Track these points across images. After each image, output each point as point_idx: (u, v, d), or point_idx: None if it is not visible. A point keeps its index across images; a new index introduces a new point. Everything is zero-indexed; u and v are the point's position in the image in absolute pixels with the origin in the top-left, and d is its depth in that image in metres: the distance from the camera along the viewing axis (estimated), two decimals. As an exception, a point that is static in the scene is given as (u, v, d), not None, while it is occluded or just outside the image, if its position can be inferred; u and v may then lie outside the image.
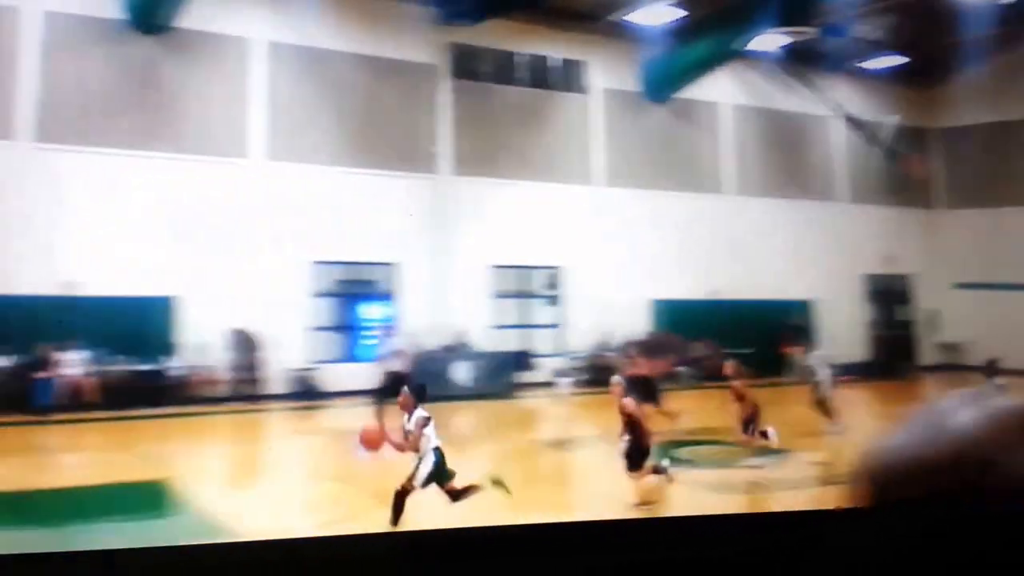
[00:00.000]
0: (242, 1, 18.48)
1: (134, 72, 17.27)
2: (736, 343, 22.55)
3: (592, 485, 11.30)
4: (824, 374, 13.81)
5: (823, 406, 13.45)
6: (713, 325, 22.73)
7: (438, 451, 7.63)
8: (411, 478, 7.53)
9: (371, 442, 8.09)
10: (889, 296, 27.65)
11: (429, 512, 7.60)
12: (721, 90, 24.94)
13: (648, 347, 21.89)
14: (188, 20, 17.55)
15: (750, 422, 11.06)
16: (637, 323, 22.38)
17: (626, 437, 8.97)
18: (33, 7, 16.37)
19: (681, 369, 21.59)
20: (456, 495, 7.65)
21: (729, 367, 11.60)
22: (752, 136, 25.68)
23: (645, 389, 12.48)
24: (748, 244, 24.56)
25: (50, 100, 16.37)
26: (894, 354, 25.98)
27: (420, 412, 7.71)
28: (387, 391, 13.08)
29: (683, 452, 11.45)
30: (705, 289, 23.64)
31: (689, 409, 18.47)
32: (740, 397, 11.17)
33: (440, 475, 7.61)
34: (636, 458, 8.89)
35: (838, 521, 0.98)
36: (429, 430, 7.65)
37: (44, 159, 16.13)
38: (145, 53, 17.41)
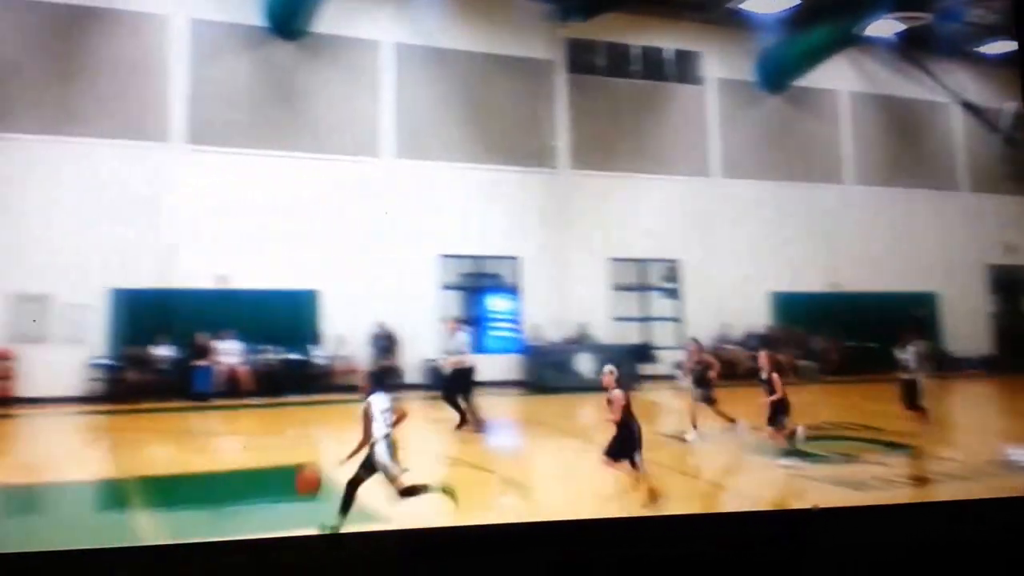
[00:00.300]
0: (371, 5, 18.98)
1: (273, 75, 17.98)
2: (858, 336, 22.12)
3: (719, 478, 11.22)
4: (918, 368, 13.30)
5: (913, 402, 13.00)
6: (834, 318, 22.25)
7: (388, 441, 7.58)
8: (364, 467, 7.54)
9: (305, 483, 7.81)
10: (1013, 287, 26.53)
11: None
12: (838, 78, 24.42)
13: (768, 341, 21.62)
14: (323, 25, 18.15)
15: (776, 416, 10.89)
16: (757, 316, 22.09)
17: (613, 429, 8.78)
18: (181, 16, 17.21)
19: (802, 363, 21.19)
20: (406, 492, 7.56)
21: (763, 358, 11.34)
22: (870, 124, 25.01)
23: (701, 384, 12.70)
24: (868, 235, 23.91)
25: (198, 104, 17.15)
26: (1019, 348, 24.91)
27: (377, 399, 7.70)
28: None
29: (808, 447, 11.25)
30: (825, 281, 23.16)
31: (812, 403, 18.23)
32: (773, 390, 10.92)
33: (387, 465, 7.55)
34: (619, 450, 8.66)
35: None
36: (381, 417, 7.58)
37: (195, 160, 16.94)
38: (283, 57, 18.09)
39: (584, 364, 19.22)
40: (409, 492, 7.56)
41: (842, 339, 21.92)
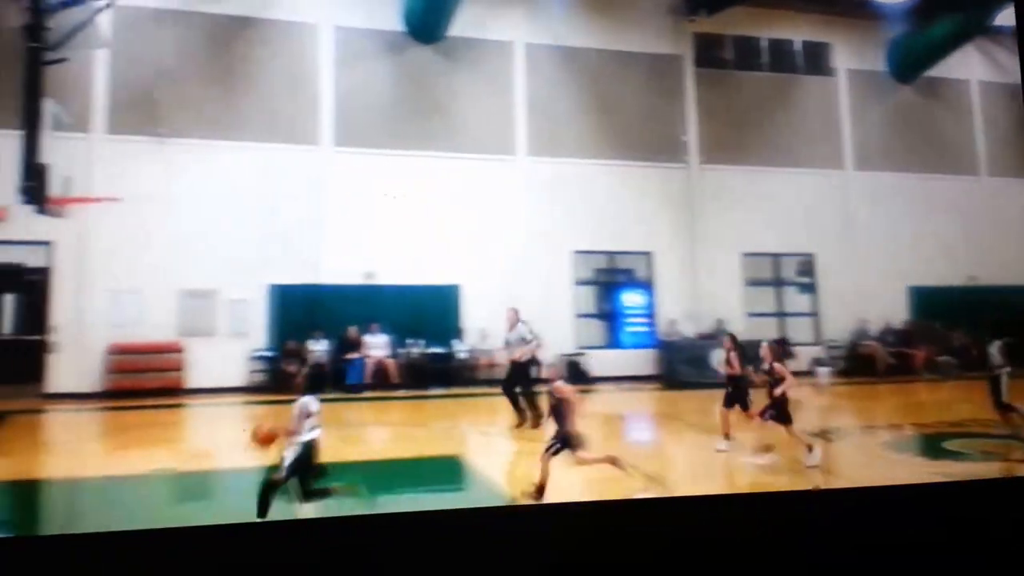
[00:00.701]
0: (503, 7, 19.22)
1: (413, 78, 18.39)
2: (997, 332, 21.00)
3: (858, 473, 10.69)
4: (1004, 366, 12.46)
5: (998, 402, 12.21)
6: (973, 313, 21.25)
7: (307, 444, 7.39)
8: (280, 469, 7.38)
9: (263, 439, 7.65)
10: None
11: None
12: (968, 67, 23.48)
13: (907, 336, 20.82)
14: (458, 28, 18.49)
15: (770, 409, 10.18)
16: (894, 311, 21.29)
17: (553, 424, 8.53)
18: (327, 23, 17.81)
19: (941, 359, 20.30)
20: (312, 495, 7.42)
21: (765, 349, 10.60)
22: (1004, 115, 23.90)
23: (736, 392, 11.24)
24: (1007, 228, 22.77)
25: (343, 107, 17.67)
26: None
27: (305, 401, 7.56)
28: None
29: (951, 444, 11.02)
30: (963, 275, 22.17)
31: (953, 400, 17.39)
32: (776, 382, 10.18)
33: (304, 469, 7.38)
34: (560, 446, 8.43)
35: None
36: (309, 421, 7.44)
37: (342, 161, 17.44)
38: (422, 60, 18.50)
39: (718, 360, 18.85)
40: (319, 495, 7.48)
41: (983, 335, 20.91)
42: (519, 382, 12.95)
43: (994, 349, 12.91)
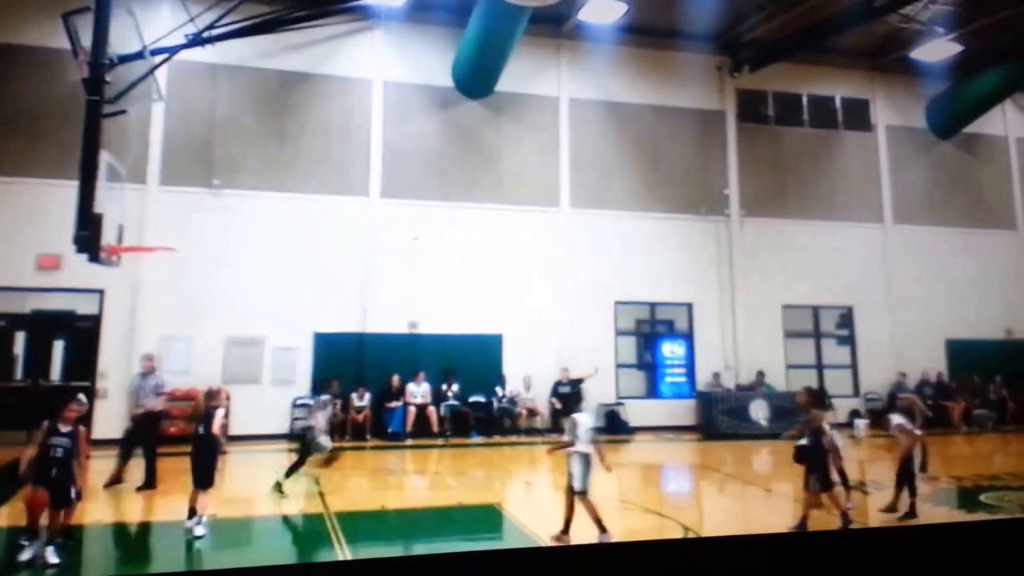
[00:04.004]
0: (549, 63, 18.44)
1: (460, 132, 17.60)
2: (1035, 385, 19.72)
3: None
4: None
5: None
6: (1011, 366, 19.96)
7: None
8: None
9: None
10: None
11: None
12: (1007, 123, 22.32)
13: (944, 389, 19.50)
14: (505, 83, 17.71)
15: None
16: (932, 364, 20.00)
17: None
18: (379, 79, 17.12)
19: (978, 412, 18.98)
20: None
21: (802, 396, 9.09)
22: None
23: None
24: (1044, 282, 21.48)
25: (391, 160, 16.90)
26: None
27: None
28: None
29: (988, 497, 10.41)
30: (1000, 328, 20.88)
31: (990, 453, 16.17)
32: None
33: None
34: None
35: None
36: None
37: (389, 213, 16.63)
38: (469, 114, 17.72)
39: (759, 411, 17.71)
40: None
41: (1021, 387, 19.61)
42: (142, 438, 10.68)
43: None
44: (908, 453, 9.24)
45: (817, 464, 8.35)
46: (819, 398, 9.73)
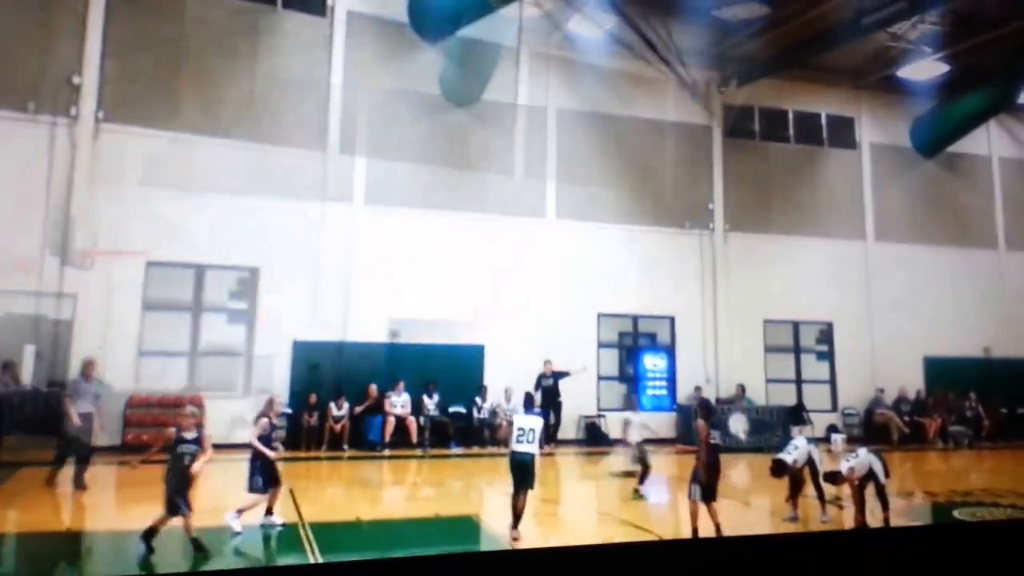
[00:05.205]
0: (538, 74, 18.01)
1: (448, 138, 17.13)
2: (1011, 403, 19.57)
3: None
4: None
5: None
6: (988, 384, 19.77)
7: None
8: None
9: None
10: None
11: None
12: (990, 143, 22.14)
13: (921, 405, 19.28)
14: (493, 92, 17.26)
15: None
16: (910, 380, 19.77)
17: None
18: (365, 84, 16.58)
19: (955, 428, 18.78)
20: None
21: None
22: (1022, 191, 22.47)
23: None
24: (1022, 301, 21.30)
25: (375, 166, 16.38)
26: None
27: None
28: None
29: (961, 513, 10.21)
30: (978, 347, 20.69)
31: (965, 470, 16.01)
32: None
33: None
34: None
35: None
36: None
37: (371, 220, 16.12)
38: (455, 121, 17.25)
39: (738, 425, 17.41)
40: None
41: (996, 405, 19.45)
42: (78, 443, 10.22)
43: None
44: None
45: (696, 474, 8.43)
46: (713, 410, 9.71)
